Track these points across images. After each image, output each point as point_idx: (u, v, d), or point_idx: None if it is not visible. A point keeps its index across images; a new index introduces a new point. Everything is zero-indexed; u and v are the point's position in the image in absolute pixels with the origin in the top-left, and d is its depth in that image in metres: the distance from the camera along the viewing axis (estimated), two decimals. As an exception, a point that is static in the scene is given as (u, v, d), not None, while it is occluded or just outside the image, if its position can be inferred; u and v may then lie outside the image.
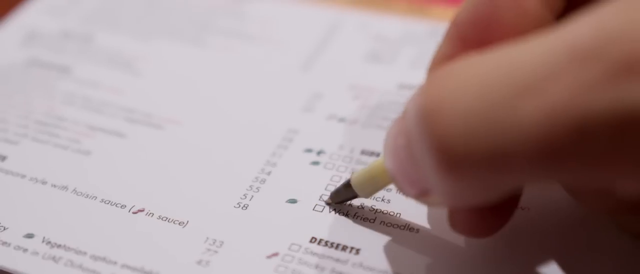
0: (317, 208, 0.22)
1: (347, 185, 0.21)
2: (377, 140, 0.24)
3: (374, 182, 0.20)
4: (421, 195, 0.17)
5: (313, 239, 0.21)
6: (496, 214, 0.19)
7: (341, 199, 0.22)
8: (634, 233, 0.20)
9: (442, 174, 0.15)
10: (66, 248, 0.21)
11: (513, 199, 0.19)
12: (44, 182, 0.23)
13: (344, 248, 0.21)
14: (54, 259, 0.21)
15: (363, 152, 0.24)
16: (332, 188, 0.22)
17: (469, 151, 0.14)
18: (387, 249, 0.21)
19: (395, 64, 0.28)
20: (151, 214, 0.22)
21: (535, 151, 0.14)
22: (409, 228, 0.21)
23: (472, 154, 0.14)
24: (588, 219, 0.21)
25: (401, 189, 0.18)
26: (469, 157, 0.14)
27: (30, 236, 0.21)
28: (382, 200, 0.22)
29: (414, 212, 0.22)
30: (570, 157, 0.14)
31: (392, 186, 0.22)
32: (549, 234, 0.21)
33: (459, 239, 0.21)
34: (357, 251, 0.21)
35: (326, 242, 0.21)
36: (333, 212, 0.22)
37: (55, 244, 0.21)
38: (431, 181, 0.16)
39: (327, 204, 0.22)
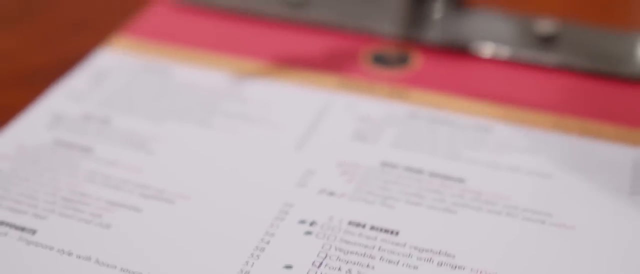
0: (311, 272, 0.25)
1: None
2: (362, 212, 0.28)
3: None
4: None
5: (307, 302, 0.24)
6: None
7: None
8: None
9: None
10: (90, 312, 0.24)
11: None
12: (69, 254, 0.26)
13: (334, 309, 0.24)
14: (80, 322, 0.24)
15: (350, 223, 0.27)
16: (324, 255, 0.26)
17: None
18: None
19: (378, 143, 0.31)
20: (164, 281, 0.25)
21: None
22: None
23: None
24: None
25: None
26: None
27: (58, 301, 0.25)
28: (367, 266, 0.25)
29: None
30: None
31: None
32: None
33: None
34: (345, 312, 0.24)
35: (318, 304, 0.24)
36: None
37: (81, 308, 0.24)
38: None
39: None
